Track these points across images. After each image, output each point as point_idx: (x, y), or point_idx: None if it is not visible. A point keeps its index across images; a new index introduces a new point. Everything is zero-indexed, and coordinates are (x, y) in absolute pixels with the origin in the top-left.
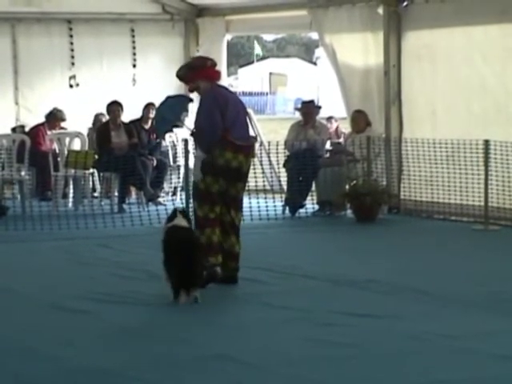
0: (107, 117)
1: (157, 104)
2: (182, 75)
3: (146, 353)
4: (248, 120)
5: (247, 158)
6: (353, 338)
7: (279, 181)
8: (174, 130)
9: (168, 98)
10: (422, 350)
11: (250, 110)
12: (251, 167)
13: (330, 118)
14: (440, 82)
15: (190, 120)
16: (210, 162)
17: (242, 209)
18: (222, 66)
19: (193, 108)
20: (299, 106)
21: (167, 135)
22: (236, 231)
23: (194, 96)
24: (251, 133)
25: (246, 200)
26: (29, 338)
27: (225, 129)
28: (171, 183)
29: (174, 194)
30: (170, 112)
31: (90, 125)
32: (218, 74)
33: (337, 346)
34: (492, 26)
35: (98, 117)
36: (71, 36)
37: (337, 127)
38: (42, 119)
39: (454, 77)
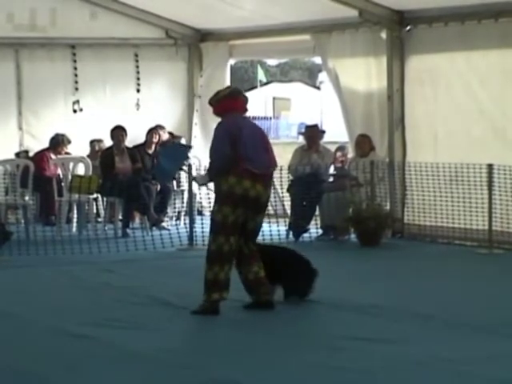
0: (103, 143)
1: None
2: (211, 104)
3: (149, 378)
4: (269, 149)
5: (265, 187)
6: (357, 363)
7: (283, 205)
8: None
9: (166, 148)
10: (427, 374)
11: None
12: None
13: (341, 148)
14: (441, 106)
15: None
16: (228, 191)
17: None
18: None
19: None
20: (303, 130)
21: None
22: (256, 259)
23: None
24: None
25: None
26: (32, 363)
27: (241, 157)
28: (175, 208)
29: (178, 218)
30: (170, 163)
31: (88, 152)
32: (233, 105)
33: (341, 371)
34: (492, 50)
35: (92, 143)
36: (75, 61)
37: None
38: (46, 144)
39: (455, 101)
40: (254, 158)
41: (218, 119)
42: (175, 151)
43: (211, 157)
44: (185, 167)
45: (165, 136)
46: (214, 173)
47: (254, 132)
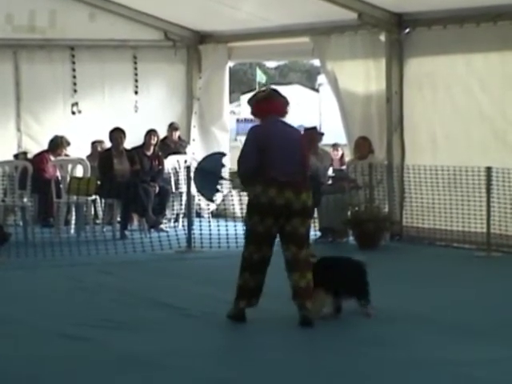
0: (104, 144)
1: (157, 129)
2: (249, 104)
3: (147, 380)
4: (299, 155)
5: (298, 194)
6: (356, 366)
7: None
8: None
9: (201, 162)
10: (425, 376)
11: None
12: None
13: (335, 145)
14: (440, 109)
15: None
16: (254, 200)
17: (308, 244)
18: (225, 93)
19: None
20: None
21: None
22: (300, 267)
23: None
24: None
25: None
26: (30, 365)
27: (268, 165)
28: (173, 210)
29: (176, 220)
30: (210, 180)
31: (88, 153)
32: (269, 108)
33: (341, 374)
34: (492, 53)
35: (94, 144)
36: (73, 63)
37: (342, 155)
38: (44, 146)
39: (454, 104)
40: (280, 166)
41: (217, 121)
42: (209, 164)
43: (238, 164)
44: (224, 175)
45: (176, 135)
46: (241, 178)
47: (283, 139)
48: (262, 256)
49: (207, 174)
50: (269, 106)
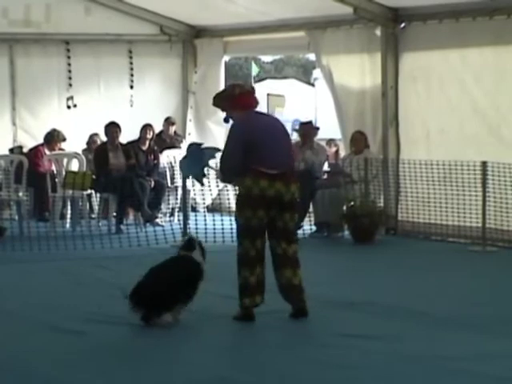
0: (102, 137)
1: (153, 123)
2: (216, 105)
3: (142, 375)
4: (285, 147)
5: (287, 185)
6: (351, 360)
7: None
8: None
9: (191, 149)
10: (420, 371)
11: None
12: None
13: (329, 141)
14: (435, 104)
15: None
16: (245, 194)
17: (296, 240)
18: (220, 87)
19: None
20: (297, 127)
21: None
22: (291, 263)
23: None
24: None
25: None
26: (25, 359)
27: (256, 160)
28: (169, 204)
29: (172, 214)
30: (195, 167)
31: (85, 145)
32: (248, 102)
33: (335, 368)
34: (486, 48)
35: (92, 137)
36: (69, 57)
37: (336, 151)
38: (39, 140)
39: (449, 98)
40: (269, 160)
41: (213, 115)
42: (199, 156)
43: (222, 161)
44: (212, 165)
45: (172, 130)
46: (227, 175)
47: (269, 132)
48: (257, 250)
49: (194, 158)
50: (249, 99)
